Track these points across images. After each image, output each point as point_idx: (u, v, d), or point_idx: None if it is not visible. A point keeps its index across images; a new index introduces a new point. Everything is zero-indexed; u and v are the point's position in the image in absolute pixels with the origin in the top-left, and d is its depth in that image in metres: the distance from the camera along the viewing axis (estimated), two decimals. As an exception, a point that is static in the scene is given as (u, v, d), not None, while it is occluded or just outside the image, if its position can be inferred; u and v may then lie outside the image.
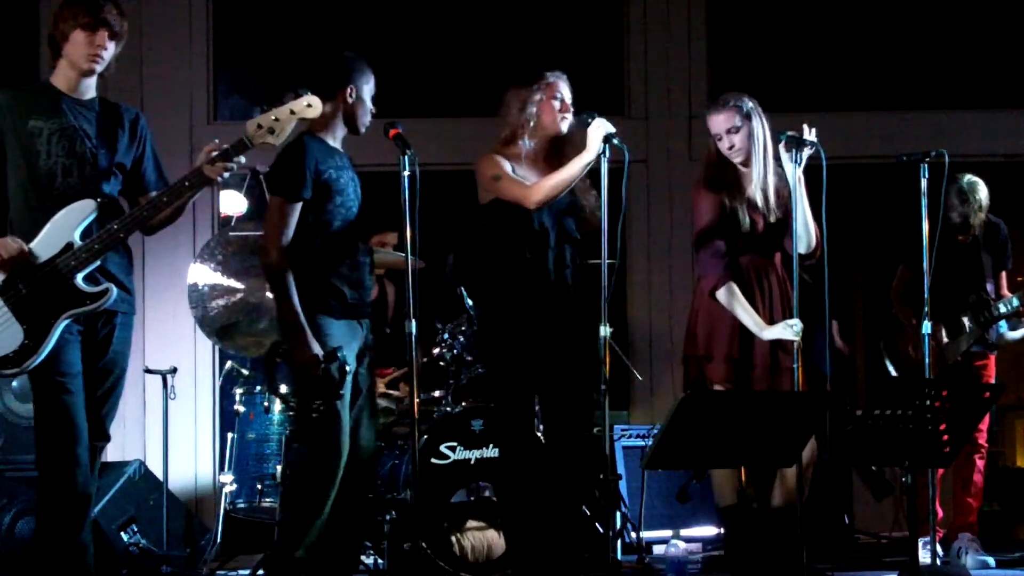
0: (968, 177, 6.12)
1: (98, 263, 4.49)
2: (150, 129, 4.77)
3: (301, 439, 4.85)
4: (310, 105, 4.59)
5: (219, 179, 4.54)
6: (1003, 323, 6.19)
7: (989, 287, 6.10)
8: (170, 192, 4.55)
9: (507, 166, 5.05)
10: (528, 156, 5.10)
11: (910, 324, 5.99)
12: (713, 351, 5.19)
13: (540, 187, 4.96)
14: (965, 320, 6.01)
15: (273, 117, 4.54)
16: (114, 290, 4.50)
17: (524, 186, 4.99)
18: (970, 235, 6.13)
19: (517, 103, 5.10)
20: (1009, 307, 6.03)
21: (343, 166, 4.85)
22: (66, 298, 4.44)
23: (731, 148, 5.23)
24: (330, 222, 4.76)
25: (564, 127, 5.07)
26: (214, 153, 4.51)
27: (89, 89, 4.63)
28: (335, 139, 4.87)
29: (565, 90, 5.12)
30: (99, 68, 4.58)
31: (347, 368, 4.65)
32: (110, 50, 4.57)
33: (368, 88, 4.89)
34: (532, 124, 5.07)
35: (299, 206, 4.71)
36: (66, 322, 4.44)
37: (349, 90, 4.83)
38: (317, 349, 4.63)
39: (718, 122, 5.26)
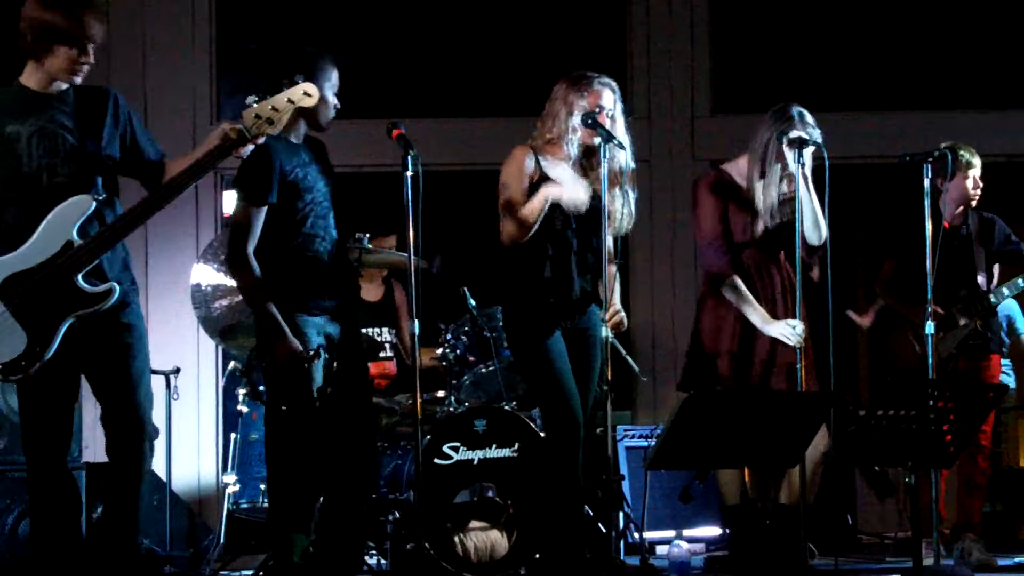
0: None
1: (98, 261, 4.39)
2: (134, 111, 4.64)
3: (272, 441, 4.82)
4: (308, 94, 4.47)
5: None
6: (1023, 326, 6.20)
7: (981, 280, 6.09)
8: (185, 179, 4.45)
9: (528, 170, 5.08)
10: (568, 157, 5.13)
11: (907, 310, 5.95)
12: (716, 347, 5.21)
13: (509, 229, 5.04)
14: (958, 314, 6.01)
15: (270, 107, 4.42)
16: (117, 288, 4.41)
17: (510, 223, 5.03)
18: (964, 208, 6.08)
19: (565, 106, 5.10)
20: (1000, 298, 6.02)
21: (309, 162, 4.79)
22: (69, 299, 4.36)
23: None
24: (304, 220, 4.73)
25: (597, 140, 5.04)
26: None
27: (61, 82, 4.48)
28: (298, 136, 4.78)
29: (609, 100, 5.12)
30: (78, 79, 4.48)
31: (333, 366, 4.63)
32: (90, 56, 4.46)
33: (329, 83, 4.79)
34: (576, 133, 5.09)
35: (264, 210, 4.67)
36: (70, 323, 4.36)
37: None
38: (298, 346, 4.61)
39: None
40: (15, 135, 4.40)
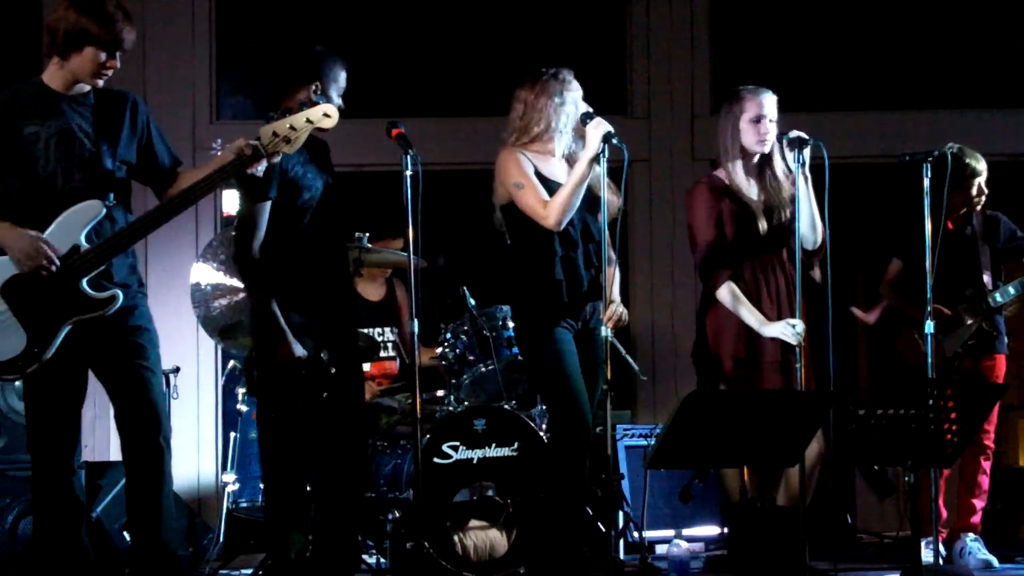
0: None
1: (103, 267, 4.40)
2: (152, 117, 4.65)
3: (267, 440, 4.82)
4: (327, 115, 4.47)
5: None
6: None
7: (987, 278, 6.08)
8: (196, 191, 4.46)
9: (530, 169, 5.06)
10: (556, 154, 5.12)
11: (913, 310, 5.93)
12: (721, 350, 5.20)
13: (553, 207, 4.98)
14: (964, 313, 6.00)
15: (288, 125, 4.42)
16: (120, 295, 4.41)
17: (542, 204, 5.00)
18: (968, 211, 6.07)
19: (546, 99, 5.09)
20: (1005, 297, 6.01)
21: (309, 160, 4.78)
22: (71, 303, 4.35)
23: (763, 136, 5.23)
24: (301, 218, 4.73)
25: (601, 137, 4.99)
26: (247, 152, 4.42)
27: (83, 84, 4.50)
28: None
29: (578, 89, 5.14)
30: (101, 83, 4.49)
31: (330, 372, 4.63)
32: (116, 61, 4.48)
33: (335, 85, 4.79)
34: (565, 125, 5.08)
35: (268, 205, 4.67)
36: (69, 327, 4.36)
37: (314, 87, 4.73)
38: (300, 351, 4.61)
39: (771, 103, 5.26)
40: (33, 136, 4.40)
